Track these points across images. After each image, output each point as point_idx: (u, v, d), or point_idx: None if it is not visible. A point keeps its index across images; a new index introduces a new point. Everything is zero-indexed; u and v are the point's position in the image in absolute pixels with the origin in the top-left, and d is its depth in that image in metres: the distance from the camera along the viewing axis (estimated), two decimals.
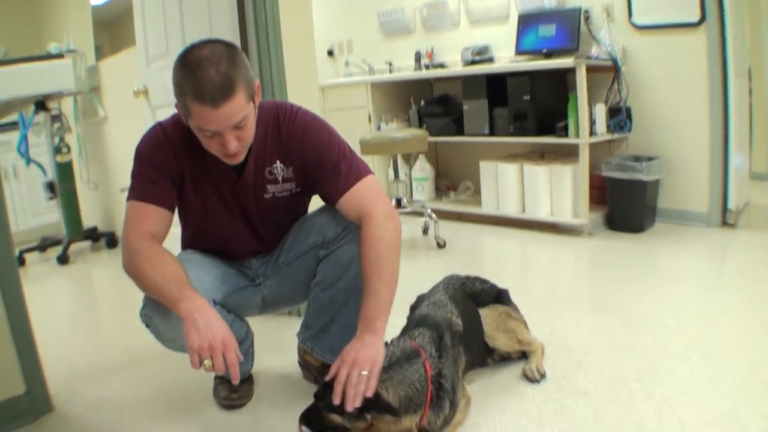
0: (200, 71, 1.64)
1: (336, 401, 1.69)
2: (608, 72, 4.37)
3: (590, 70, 4.17)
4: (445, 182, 5.57)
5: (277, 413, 2.18)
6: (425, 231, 4.51)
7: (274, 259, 2.16)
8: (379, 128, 5.29)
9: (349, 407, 1.67)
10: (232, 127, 1.72)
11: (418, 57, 5.54)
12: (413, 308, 2.23)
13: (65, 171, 4.59)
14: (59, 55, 1.44)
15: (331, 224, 2.02)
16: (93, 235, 5.01)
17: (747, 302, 2.89)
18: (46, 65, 1.39)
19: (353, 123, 5.38)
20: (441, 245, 4.16)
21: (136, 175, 1.89)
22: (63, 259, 4.64)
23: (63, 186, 4.59)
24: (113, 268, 4.62)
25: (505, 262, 4.01)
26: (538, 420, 2.02)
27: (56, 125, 4.48)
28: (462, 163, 5.46)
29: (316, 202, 2.14)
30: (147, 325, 1.90)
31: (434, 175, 5.36)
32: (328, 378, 1.75)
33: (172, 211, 1.92)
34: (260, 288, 2.16)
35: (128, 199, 1.87)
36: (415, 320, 1.99)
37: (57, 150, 4.51)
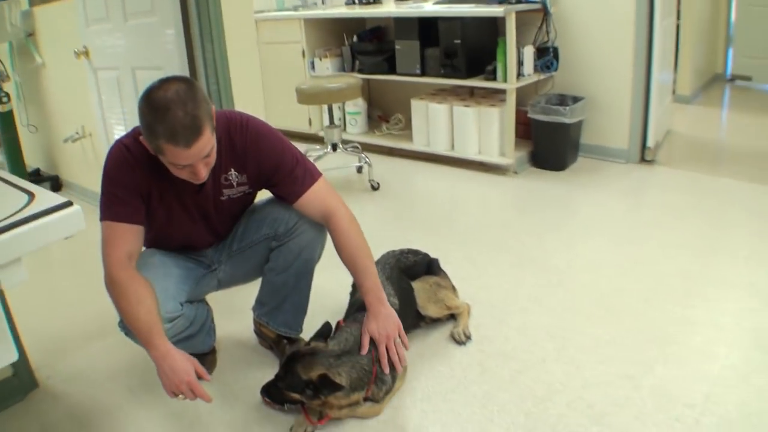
0: (170, 114, 1.77)
1: (387, 371, 2.14)
2: (538, 13, 4.52)
3: (520, 12, 4.30)
4: (378, 113, 5.72)
5: (240, 381, 2.42)
6: (359, 170, 4.69)
7: (227, 246, 2.37)
8: (312, 64, 5.36)
9: (399, 369, 2.18)
10: (202, 158, 1.88)
11: None
12: (355, 290, 2.47)
13: (6, 120, 4.54)
14: (68, 203, 1.49)
15: (282, 220, 2.25)
16: (37, 179, 4.99)
17: (656, 252, 3.21)
18: (57, 217, 1.47)
19: (287, 57, 5.46)
20: (375, 188, 4.37)
21: (106, 194, 2.00)
22: None
23: (5, 135, 4.55)
24: None
25: (436, 206, 4.22)
26: (464, 382, 2.32)
27: None
28: (394, 96, 5.60)
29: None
30: (126, 334, 2.08)
31: (367, 107, 5.50)
32: (363, 352, 2.13)
33: (144, 225, 2.06)
34: (216, 272, 2.37)
35: (102, 219, 1.99)
36: (359, 304, 2.26)
37: None
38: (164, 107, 1.77)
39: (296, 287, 2.35)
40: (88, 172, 4.40)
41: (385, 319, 2.16)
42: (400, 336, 2.19)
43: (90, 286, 3.17)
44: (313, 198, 2.19)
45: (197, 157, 1.86)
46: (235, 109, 2.58)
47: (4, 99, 4.49)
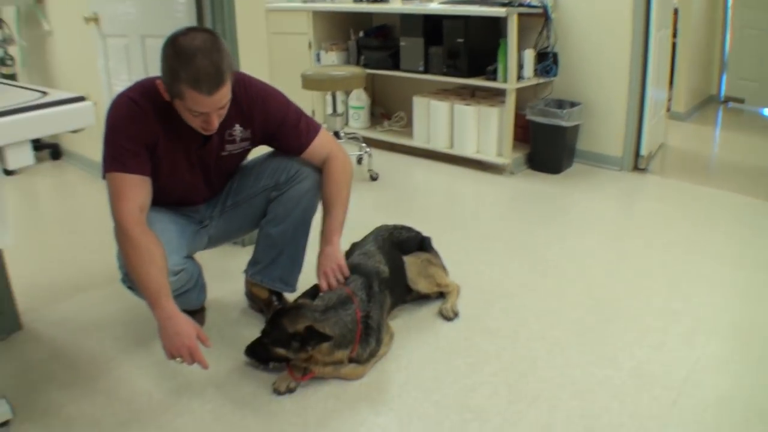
0: (196, 62, 1.85)
1: (324, 288, 2.26)
2: (539, 18, 4.61)
3: (522, 15, 4.40)
4: (380, 110, 5.79)
5: (226, 340, 2.46)
6: (359, 161, 4.75)
7: (220, 202, 2.43)
8: (318, 56, 5.44)
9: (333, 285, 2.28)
10: (218, 108, 1.97)
11: None
12: (347, 255, 2.52)
13: None
14: (80, 98, 1.56)
15: (284, 169, 2.34)
16: (37, 146, 4.99)
17: (643, 250, 3.27)
18: (68, 108, 1.54)
19: (294, 48, 5.52)
20: (374, 178, 4.44)
21: (113, 146, 2.02)
22: (9, 170, 4.64)
23: None
24: (58, 180, 4.71)
25: (433, 198, 4.31)
26: (450, 353, 2.38)
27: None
28: (397, 94, 5.66)
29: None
30: (129, 288, 2.14)
31: (370, 103, 5.57)
32: (323, 288, 2.27)
33: (151, 177, 2.09)
34: (207, 229, 2.42)
35: (109, 171, 2.01)
36: (349, 268, 2.32)
37: (2, 62, 4.52)
38: (191, 54, 1.85)
39: (293, 238, 2.40)
40: (89, 141, 4.40)
41: (326, 258, 2.29)
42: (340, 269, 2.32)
43: (80, 243, 3.23)
44: (320, 146, 2.33)
45: (215, 107, 1.94)
46: None
47: (9, 62, 4.54)
